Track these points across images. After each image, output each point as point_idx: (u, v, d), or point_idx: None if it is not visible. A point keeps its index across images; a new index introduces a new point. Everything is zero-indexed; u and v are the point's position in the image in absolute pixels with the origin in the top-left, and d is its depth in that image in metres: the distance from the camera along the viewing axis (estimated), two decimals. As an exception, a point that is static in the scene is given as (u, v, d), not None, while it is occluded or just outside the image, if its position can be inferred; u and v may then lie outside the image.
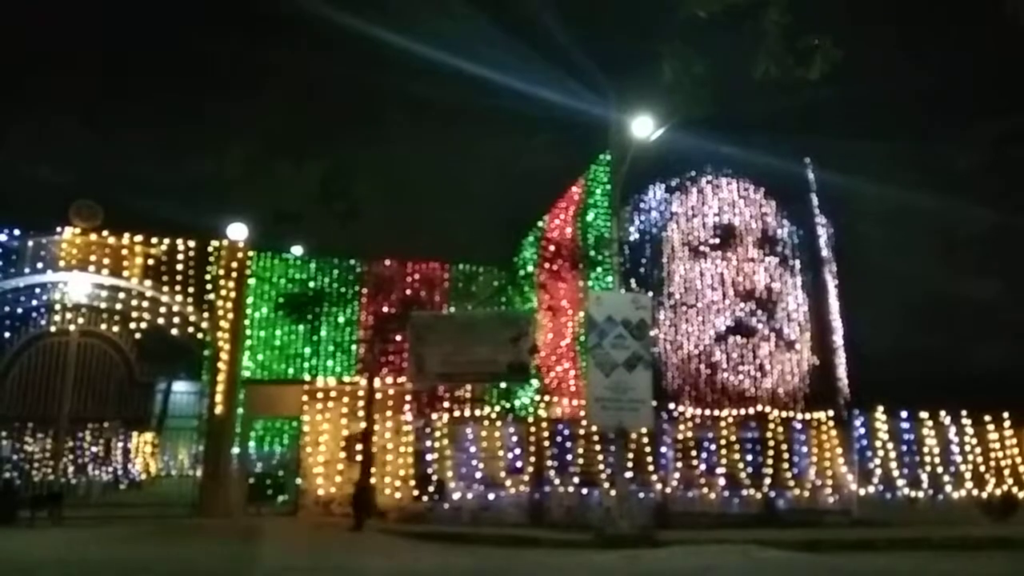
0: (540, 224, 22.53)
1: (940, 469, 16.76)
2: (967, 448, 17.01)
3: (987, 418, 17.18)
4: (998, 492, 16.84)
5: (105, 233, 17.00)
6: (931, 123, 21.84)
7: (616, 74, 15.04)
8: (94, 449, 19.41)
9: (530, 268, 21.73)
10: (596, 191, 20.20)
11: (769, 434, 16.67)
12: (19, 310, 16.98)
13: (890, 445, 16.79)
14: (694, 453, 16.31)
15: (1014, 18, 5.99)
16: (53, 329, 17.01)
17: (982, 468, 16.93)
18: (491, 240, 23.76)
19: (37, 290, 17.04)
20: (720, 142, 20.72)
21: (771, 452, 16.53)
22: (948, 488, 16.67)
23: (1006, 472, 16.99)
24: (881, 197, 20.09)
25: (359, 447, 15.75)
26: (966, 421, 17.10)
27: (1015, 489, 16.92)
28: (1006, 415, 17.24)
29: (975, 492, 16.75)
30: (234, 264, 17.50)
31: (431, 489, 15.77)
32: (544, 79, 18.66)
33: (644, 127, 14.50)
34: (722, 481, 16.23)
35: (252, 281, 18.86)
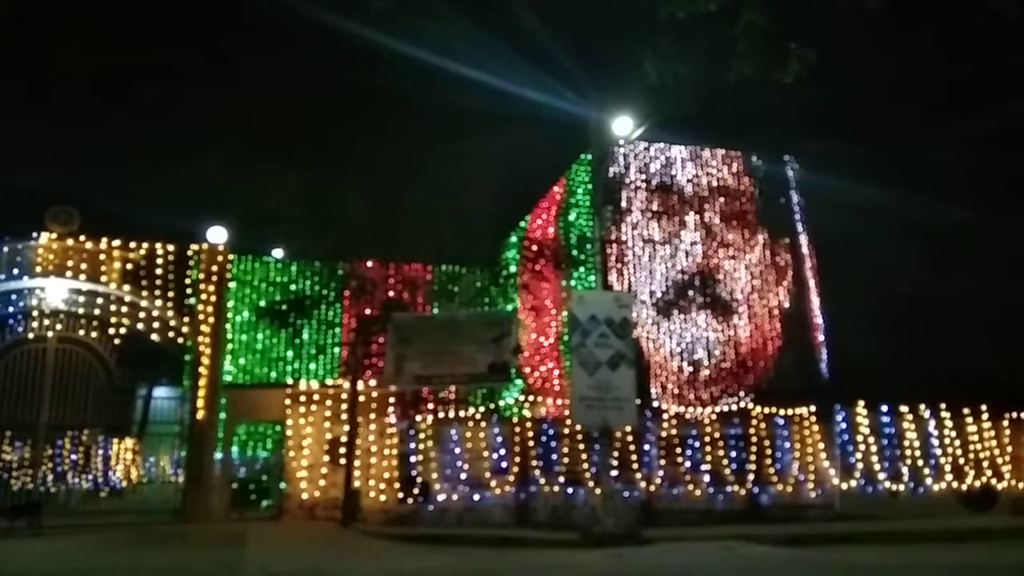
0: (522, 224, 22.58)
1: (920, 462, 16.97)
2: (947, 441, 17.23)
3: (966, 411, 17.42)
4: (977, 484, 17.08)
5: (82, 238, 16.80)
6: (906, 122, 22.11)
7: (596, 74, 15.08)
8: (74, 457, 19.17)
9: (513, 268, 21.78)
10: (578, 191, 20.27)
11: (752, 430, 16.79)
12: (-5, 317, 16.76)
13: (871, 439, 16.97)
14: (678, 450, 16.40)
15: (1003, 8, 6.03)
16: (31, 336, 16.78)
17: (961, 461, 17.16)
18: (474, 241, 23.79)
19: (13, 296, 16.81)
20: (700, 142, 20.90)
21: (754, 448, 16.65)
22: (928, 481, 16.88)
23: (985, 464, 17.23)
24: (860, 195, 20.32)
25: (343, 450, 15.68)
26: (945, 414, 17.33)
27: (994, 481, 17.16)
28: (984, 408, 17.49)
29: (955, 484, 16.97)
30: (214, 268, 17.35)
31: (416, 491, 15.73)
32: (525, 80, 18.67)
33: (624, 127, 14.56)
34: (706, 478, 16.32)
35: (233, 285, 18.73)
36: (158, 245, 17.15)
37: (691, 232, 20.32)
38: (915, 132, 21.97)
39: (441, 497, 15.66)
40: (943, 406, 17.34)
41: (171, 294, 16.97)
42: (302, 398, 16.65)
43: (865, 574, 9.35)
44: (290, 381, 18.40)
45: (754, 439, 16.72)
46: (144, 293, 16.90)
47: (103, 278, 16.79)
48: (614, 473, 13.66)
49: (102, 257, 16.86)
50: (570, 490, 15.80)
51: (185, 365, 17.37)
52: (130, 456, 25.23)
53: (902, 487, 16.77)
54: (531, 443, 16.05)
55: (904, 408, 17.20)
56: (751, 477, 16.46)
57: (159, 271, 16.99)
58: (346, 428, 15.79)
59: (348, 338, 19.77)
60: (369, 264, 20.72)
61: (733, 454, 16.59)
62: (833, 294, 20.86)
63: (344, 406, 16.23)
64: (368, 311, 18.63)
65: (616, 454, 14.48)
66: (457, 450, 15.90)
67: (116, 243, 16.97)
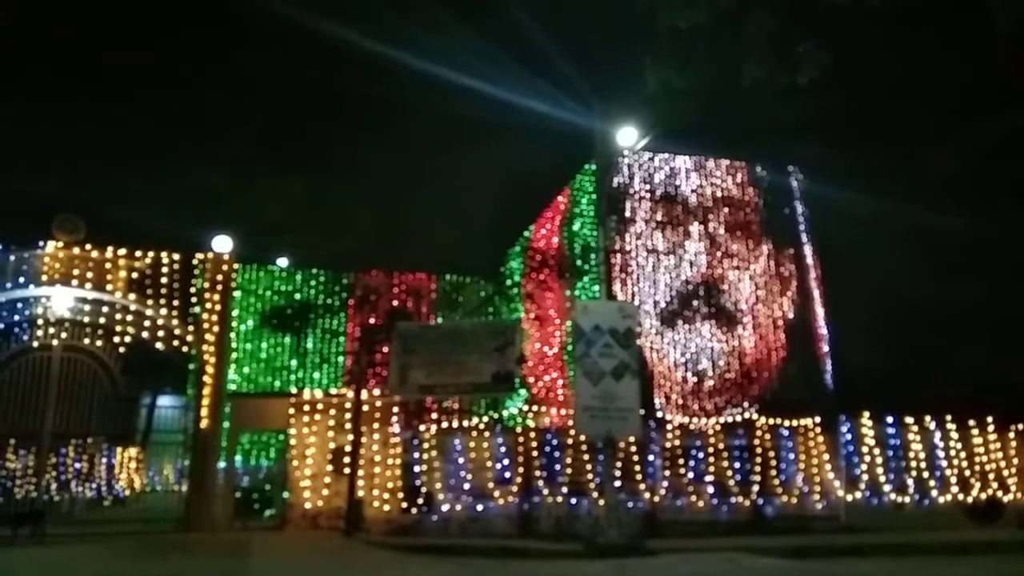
0: (526, 234, 22.60)
1: (926, 474, 16.89)
2: (952, 452, 17.15)
3: (971, 422, 17.34)
4: (983, 496, 16.98)
5: (88, 247, 16.87)
6: (911, 129, 22.07)
7: (600, 84, 15.12)
8: (77, 465, 19.18)
9: (517, 278, 21.79)
10: (582, 200, 20.28)
11: (756, 441, 16.74)
12: (1, 325, 16.81)
13: (876, 450, 16.90)
14: (682, 461, 16.35)
15: (997, 22, 6.06)
16: (36, 344, 16.83)
17: (967, 472, 17.08)
18: (478, 250, 23.80)
19: (19, 305, 16.87)
20: (705, 152, 20.92)
21: (759, 459, 16.59)
22: (934, 493, 16.79)
23: (991, 476, 17.15)
24: (864, 205, 20.30)
25: (346, 460, 15.67)
26: (951, 426, 17.25)
27: (1000, 493, 17.07)
28: (990, 419, 17.41)
29: (960, 496, 16.87)
30: (219, 276, 17.40)
31: (419, 501, 15.70)
32: (529, 89, 18.74)
33: (628, 137, 14.59)
34: (710, 489, 16.26)
35: (237, 293, 18.76)
36: (163, 254, 17.22)
37: (695, 242, 20.31)
38: (920, 139, 21.93)
39: (444, 507, 15.63)
40: (949, 417, 17.27)
41: (176, 303, 17.03)
42: (306, 407, 16.65)
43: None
44: (294, 390, 18.40)
45: (758, 450, 16.66)
46: (149, 302, 16.95)
47: (108, 287, 16.85)
48: (618, 484, 13.63)
49: (107, 266, 16.92)
50: (574, 501, 15.76)
51: (189, 374, 17.40)
52: (134, 465, 25.22)
53: (907, 499, 16.68)
54: (535, 453, 16.01)
55: (909, 419, 17.13)
56: (755, 488, 16.40)
57: (164, 280, 17.05)
58: (350, 437, 15.79)
59: (352, 347, 19.77)
60: (373, 273, 20.75)
61: (737, 465, 16.53)
62: (838, 304, 20.79)
63: (348, 415, 16.23)
64: (372, 320, 18.66)
65: (620, 465, 14.45)
66: (461, 460, 15.88)
67: (122, 252, 17.04)
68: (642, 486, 15.90)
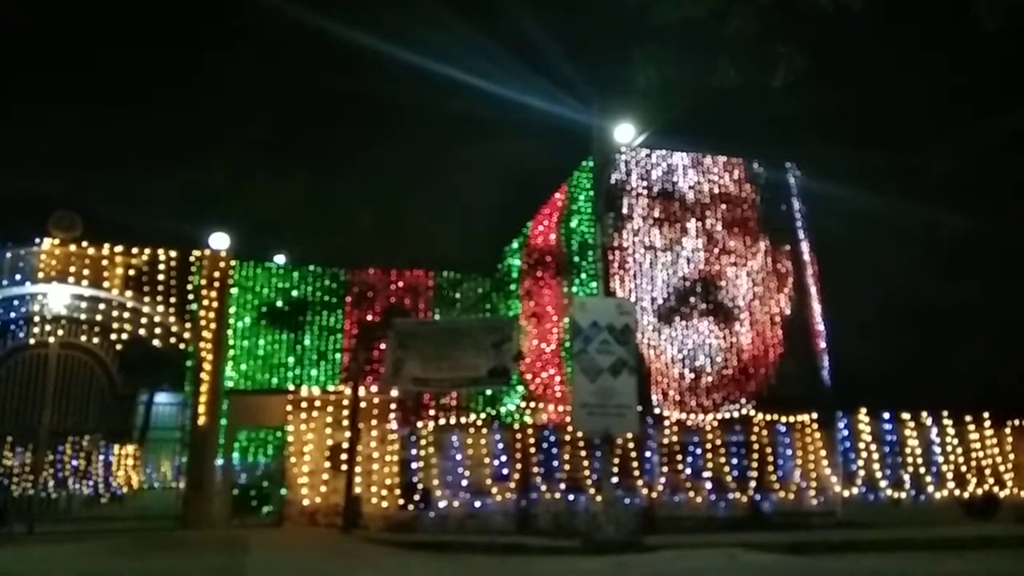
0: (524, 231, 22.61)
1: (922, 470, 16.94)
2: (949, 449, 17.20)
3: (968, 418, 17.39)
4: (979, 492, 17.04)
5: (85, 244, 16.83)
6: (909, 127, 22.09)
7: (598, 81, 15.11)
8: (75, 462, 19.15)
9: (515, 275, 21.80)
10: (579, 197, 20.28)
11: (754, 437, 16.77)
12: (-3, 323, 16.79)
13: (873, 447, 16.95)
14: (679, 457, 16.38)
15: (983, 19, 6.07)
16: (32, 341, 16.77)
17: (963, 468, 17.13)
18: (475, 247, 23.78)
19: (15, 302, 16.82)
20: (702, 148, 20.92)
21: (756, 455, 16.63)
22: (930, 488, 16.85)
23: (987, 472, 17.20)
24: (862, 202, 20.32)
25: (344, 456, 15.66)
26: (947, 422, 17.30)
27: (996, 489, 17.12)
28: (986, 415, 17.47)
29: (957, 492, 16.93)
30: (216, 274, 17.37)
31: (417, 497, 15.71)
32: (527, 87, 18.75)
33: (626, 133, 14.58)
34: (708, 485, 16.30)
35: (235, 291, 18.74)
36: (160, 251, 17.18)
37: (692, 239, 20.34)
38: (918, 137, 21.95)
39: (442, 504, 15.64)
40: (945, 413, 17.32)
41: (173, 300, 16.99)
42: (303, 404, 16.64)
43: (867, 582, 9.31)
44: (291, 387, 18.39)
45: (756, 446, 16.70)
46: (146, 299, 16.91)
47: (105, 284, 16.81)
48: (615, 480, 13.64)
49: (104, 263, 16.89)
50: (571, 497, 15.78)
51: (187, 371, 17.37)
52: (131, 462, 25.19)
53: (904, 495, 16.74)
54: (532, 450, 16.03)
55: (906, 415, 17.18)
56: (753, 484, 16.43)
57: (161, 277, 17.02)
58: (347, 434, 15.78)
59: (350, 344, 19.76)
60: (371, 270, 20.74)
61: (735, 461, 16.56)
62: (835, 301, 20.84)
63: (345, 412, 16.22)
64: (370, 317, 18.65)
65: (617, 461, 14.46)
66: (458, 456, 15.89)
67: (118, 249, 17.00)
68: (640, 482, 15.93)
